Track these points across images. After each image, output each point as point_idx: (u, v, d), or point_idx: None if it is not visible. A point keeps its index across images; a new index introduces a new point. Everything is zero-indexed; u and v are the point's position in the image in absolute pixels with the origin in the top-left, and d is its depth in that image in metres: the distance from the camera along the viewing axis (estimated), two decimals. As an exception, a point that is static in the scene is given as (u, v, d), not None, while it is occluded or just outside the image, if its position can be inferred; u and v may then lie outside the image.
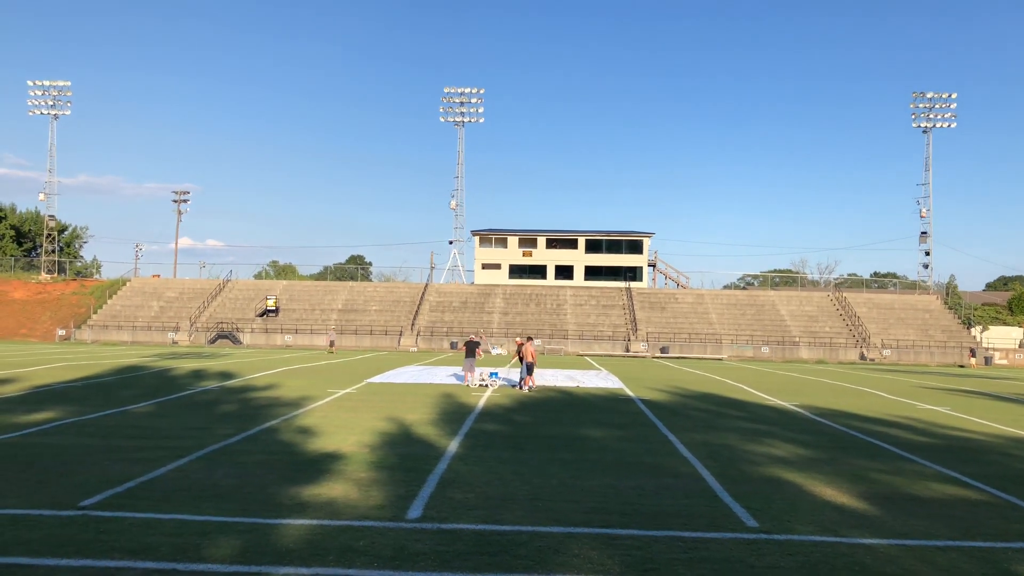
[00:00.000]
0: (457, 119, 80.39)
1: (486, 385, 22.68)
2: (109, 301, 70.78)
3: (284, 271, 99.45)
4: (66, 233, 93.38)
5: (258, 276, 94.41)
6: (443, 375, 27.41)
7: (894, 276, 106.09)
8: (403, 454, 11.25)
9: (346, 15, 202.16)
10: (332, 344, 54.14)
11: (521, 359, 22.25)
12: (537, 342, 53.34)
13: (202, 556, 6.36)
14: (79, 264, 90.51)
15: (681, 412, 17.69)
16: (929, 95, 78.06)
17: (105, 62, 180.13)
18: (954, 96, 77.78)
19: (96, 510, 7.70)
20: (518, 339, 23.83)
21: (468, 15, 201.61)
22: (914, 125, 78.40)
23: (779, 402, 20.78)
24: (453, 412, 16.47)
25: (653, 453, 11.91)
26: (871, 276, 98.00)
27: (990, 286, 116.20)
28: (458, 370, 30.56)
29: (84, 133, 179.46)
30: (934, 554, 6.94)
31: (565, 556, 6.60)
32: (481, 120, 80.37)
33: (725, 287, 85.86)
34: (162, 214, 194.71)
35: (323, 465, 10.30)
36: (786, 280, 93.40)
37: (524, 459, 11.15)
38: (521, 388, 22.18)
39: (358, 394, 20.03)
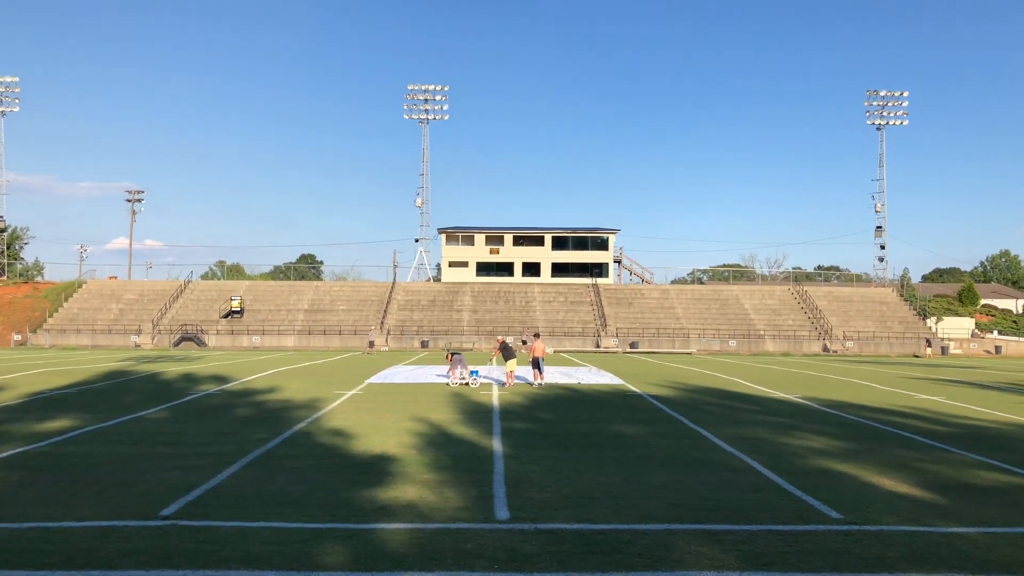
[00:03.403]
0: (422, 116, 80.00)
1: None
2: (65, 304, 68.70)
3: (233, 271, 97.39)
4: (6, 234, 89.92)
5: (205, 276, 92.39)
6: (436, 375, 27.26)
7: (837, 269, 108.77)
8: (453, 455, 11.16)
9: (307, 7, 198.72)
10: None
11: (506, 357, 22.76)
12: (509, 338, 53.15)
13: (318, 564, 6.23)
14: (19, 266, 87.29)
15: (696, 407, 17.87)
16: (882, 93, 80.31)
17: (38, 57, 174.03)
18: (906, 94, 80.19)
19: (181, 519, 7.49)
20: (499, 338, 24.13)
21: (433, 11, 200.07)
22: (868, 122, 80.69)
23: (782, 395, 21.14)
24: (474, 412, 16.40)
25: (697, 448, 12.02)
26: (815, 269, 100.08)
27: (926, 278, 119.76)
28: (445, 369, 30.46)
29: (10, 129, 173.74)
30: (1026, 540, 7.14)
31: (678, 553, 6.62)
32: (446, 117, 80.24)
33: (673, 281, 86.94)
34: (98, 213, 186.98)
35: (380, 467, 10.17)
36: (735, 275, 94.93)
37: (574, 457, 11.16)
38: (532, 384, 22.83)
39: (366, 395, 19.78)
